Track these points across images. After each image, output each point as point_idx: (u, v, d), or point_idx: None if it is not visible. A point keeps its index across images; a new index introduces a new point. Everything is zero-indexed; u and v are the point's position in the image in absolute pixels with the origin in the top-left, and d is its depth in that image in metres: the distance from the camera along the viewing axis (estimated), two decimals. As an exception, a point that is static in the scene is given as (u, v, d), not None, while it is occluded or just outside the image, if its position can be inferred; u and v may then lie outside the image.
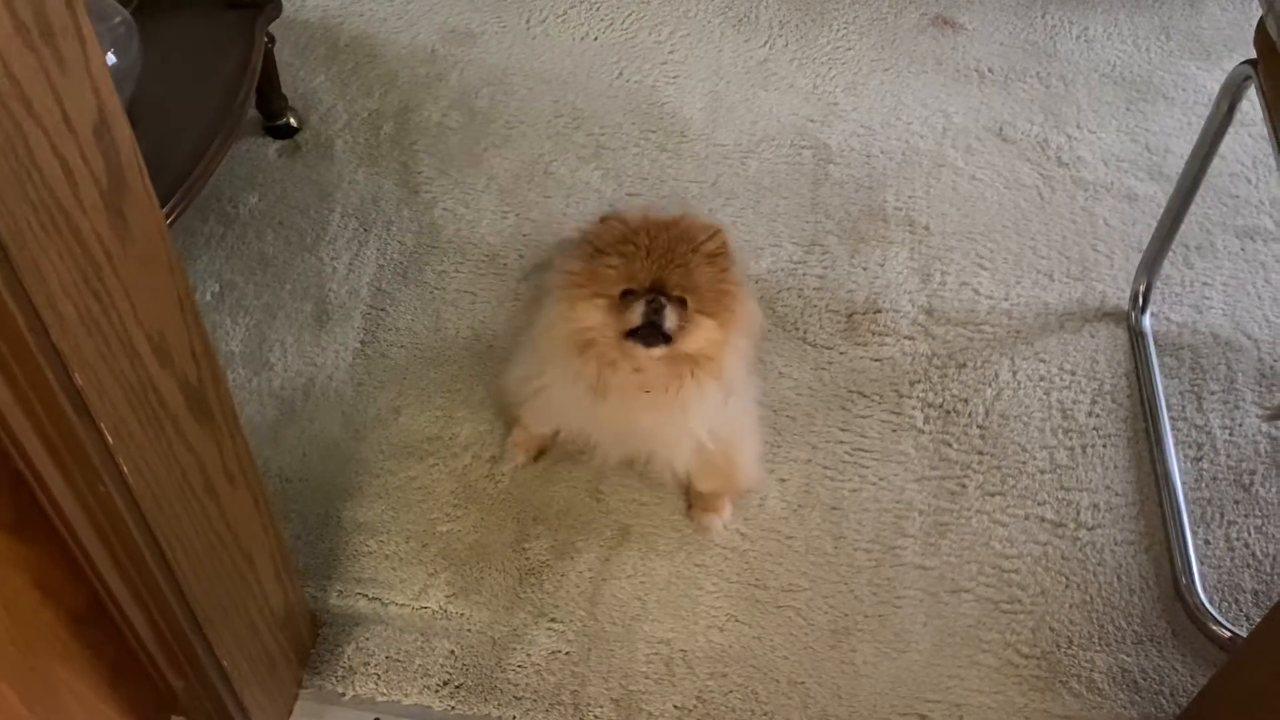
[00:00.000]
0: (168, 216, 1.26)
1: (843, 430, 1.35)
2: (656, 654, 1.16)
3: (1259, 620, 1.10)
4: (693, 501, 1.27)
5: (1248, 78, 1.19)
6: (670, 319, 1.02)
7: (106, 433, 0.72)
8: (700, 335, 1.05)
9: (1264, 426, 1.34)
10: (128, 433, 0.74)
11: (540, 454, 1.30)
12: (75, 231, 0.65)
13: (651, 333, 1.03)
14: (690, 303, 1.04)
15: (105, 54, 1.28)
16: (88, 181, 0.66)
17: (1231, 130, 1.31)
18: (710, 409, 1.10)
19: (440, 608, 1.18)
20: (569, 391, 1.12)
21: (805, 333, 1.46)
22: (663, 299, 1.03)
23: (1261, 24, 1.11)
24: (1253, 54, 1.15)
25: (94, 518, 0.75)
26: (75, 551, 0.77)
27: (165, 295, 0.77)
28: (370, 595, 1.19)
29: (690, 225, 1.08)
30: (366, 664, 1.14)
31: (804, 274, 1.52)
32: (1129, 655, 1.16)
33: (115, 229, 0.69)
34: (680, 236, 1.06)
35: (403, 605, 1.19)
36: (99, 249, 0.68)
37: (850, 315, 1.47)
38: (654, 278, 1.04)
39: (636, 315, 1.02)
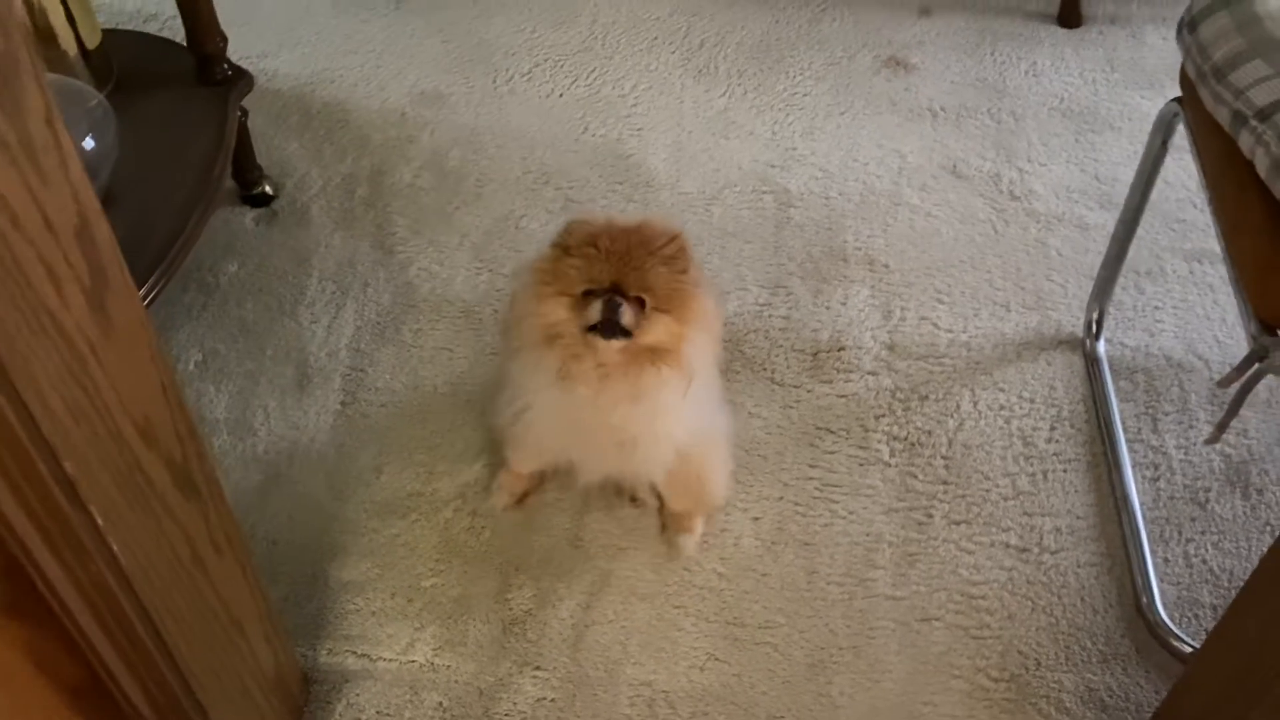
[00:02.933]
0: (149, 293, 1.30)
1: (812, 467, 1.40)
2: (639, 696, 1.19)
3: (1216, 634, 1.14)
4: (666, 523, 1.31)
5: (1176, 114, 1.25)
6: (627, 315, 1.10)
7: (97, 515, 0.75)
8: (659, 328, 1.12)
9: (1217, 445, 1.39)
10: (117, 514, 0.78)
11: (524, 497, 1.35)
12: (60, 330, 0.70)
13: (610, 326, 1.10)
14: (647, 301, 1.11)
15: (84, 139, 1.33)
16: (71, 282, 0.70)
17: (1174, 155, 1.37)
18: (675, 401, 1.15)
19: (427, 661, 1.22)
20: (542, 393, 1.18)
21: (773, 372, 1.50)
22: (619, 298, 1.10)
23: (1184, 65, 1.17)
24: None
25: (87, 596, 0.79)
26: (70, 629, 0.81)
27: (148, 380, 0.81)
28: (359, 652, 1.23)
29: (650, 230, 1.14)
30: (358, 719, 1.18)
31: (770, 315, 1.57)
32: (1095, 674, 1.20)
33: (98, 323, 0.74)
34: (639, 241, 1.12)
35: (391, 660, 1.22)
36: (84, 343, 0.72)
37: (815, 354, 1.52)
38: (612, 279, 1.11)
39: (595, 312, 1.10)
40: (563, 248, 1.14)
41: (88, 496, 0.75)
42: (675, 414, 1.16)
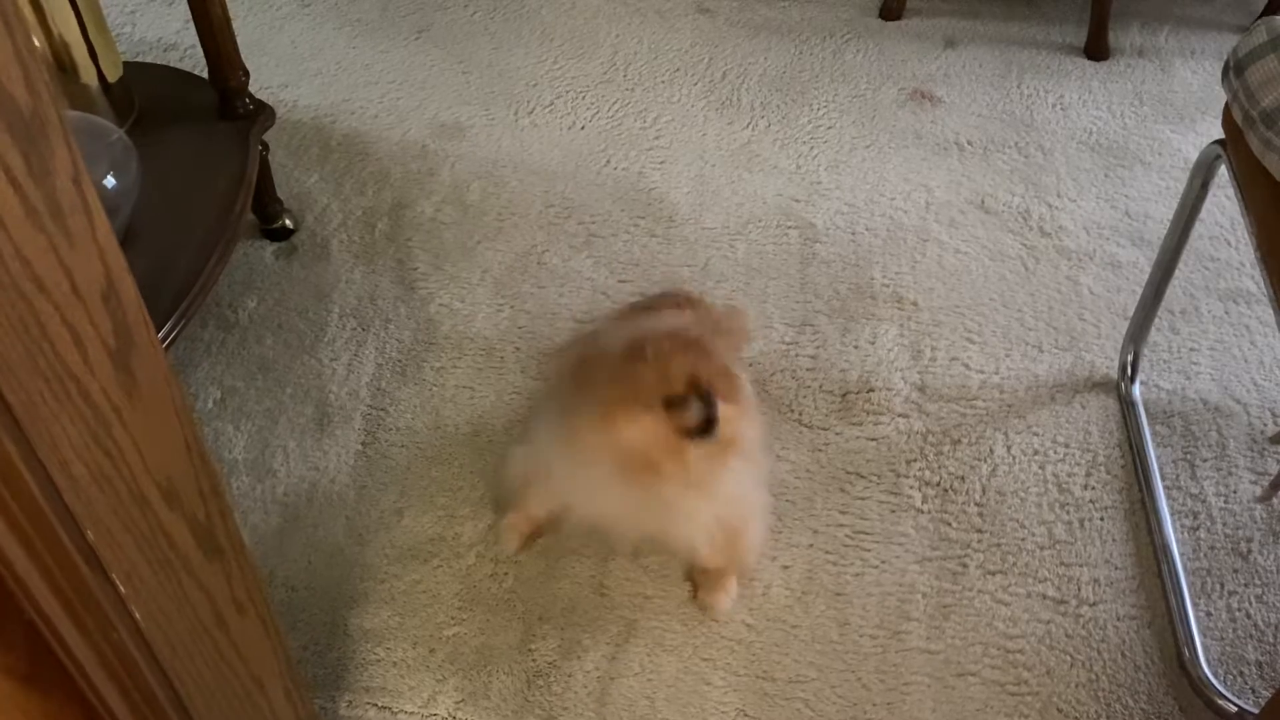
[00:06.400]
0: (169, 333, 1.28)
1: (842, 513, 1.36)
2: (667, 752, 1.16)
3: (1264, 692, 1.11)
4: (699, 583, 1.28)
5: (1218, 156, 1.23)
6: (721, 406, 1.05)
7: (119, 583, 0.73)
8: (729, 419, 1.08)
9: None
10: (139, 580, 0.75)
11: (534, 539, 1.32)
12: (85, 395, 0.67)
13: (709, 427, 1.05)
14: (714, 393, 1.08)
15: (105, 176, 1.31)
16: (96, 345, 0.68)
17: (1210, 192, 1.34)
18: (731, 483, 1.13)
19: (450, 714, 1.19)
20: (598, 488, 1.14)
21: (800, 414, 1.47)
22: (709, 393, 1.05)
23: (1228, 108, 1.15)
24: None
25: (108, 665, 0.76)
26: (90, 697, 0.78)
27: (173, 440, 0.78)
28: (380, 704, 1.20)
29: (683, 330, 1.12)
30: (378, 775, 1.15)
31: (796, 355, 1.55)
32: (1138, 734, 1.17)
33: (123, 385, 0.71)
34: (684, 340, 1.10)
35: (412, 714, 1.19)
36: (108, 407, 0.70)
37: (844, 395, 1.49)
38: (686, 377, 1.06)
39: (694, 415, 1.05)
40: (629, 360, 1.09)
41: (110, 564, 0.72)
42: (723, 491, 1.14)
